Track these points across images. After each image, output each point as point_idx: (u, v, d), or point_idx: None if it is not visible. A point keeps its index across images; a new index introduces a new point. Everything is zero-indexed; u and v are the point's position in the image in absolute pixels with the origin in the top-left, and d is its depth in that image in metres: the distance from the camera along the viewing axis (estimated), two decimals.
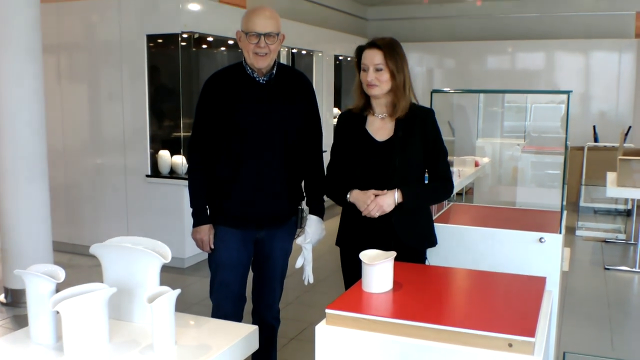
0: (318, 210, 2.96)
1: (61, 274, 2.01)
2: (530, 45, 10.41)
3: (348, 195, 2.69)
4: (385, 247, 2.57)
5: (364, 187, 2.66)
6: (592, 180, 8.10)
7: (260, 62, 2.75)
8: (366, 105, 2.76)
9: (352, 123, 2.78)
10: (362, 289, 2.05)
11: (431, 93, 3.22)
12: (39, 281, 1.97)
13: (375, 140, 2.70)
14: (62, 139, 6.20)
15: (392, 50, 2.64)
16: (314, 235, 2.91)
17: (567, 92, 2.95)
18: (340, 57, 9.24)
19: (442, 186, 2.77)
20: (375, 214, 2.59)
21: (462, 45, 10.73)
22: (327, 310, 1.87)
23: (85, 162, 6.14)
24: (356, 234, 2.75)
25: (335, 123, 2.91)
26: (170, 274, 5.48)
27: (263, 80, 2.81)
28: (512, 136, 8.73)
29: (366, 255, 2.08)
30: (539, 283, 2.16)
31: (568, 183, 7.74)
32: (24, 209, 4.64)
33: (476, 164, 6.78)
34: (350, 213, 2.73)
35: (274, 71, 2.84)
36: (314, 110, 2.97)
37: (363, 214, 2.62)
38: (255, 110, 2.79)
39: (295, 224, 2.97)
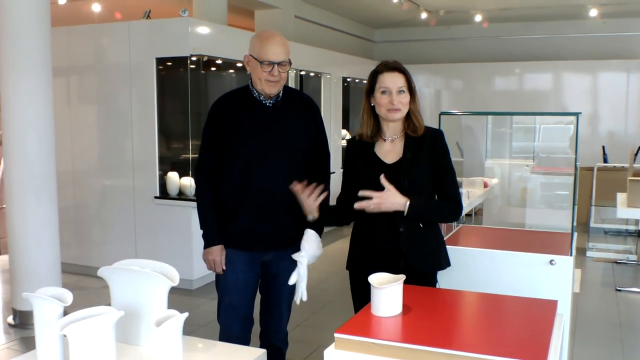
0: (316, 225, 2.87)
1: (69, 297, 2.00)
2: (538, 66, 10.43)
3: (356, 205, 2.60)
4: (394, 271, 2.54)
5: (372, 214, 2.61)
6: (602, 201, 8.05)
7: (272, 89, 2.78)
8: (375, 131, 2.74)
9: (361, 149, 2.76)
10: (371, 313, 2.03)
11: (439, 115, 3.22)
12: (47, 304, 1.96)
13: (384, 163, 2.69)
14: (71, 161, 6.23)
15: (408, 73, 2.67)
16: (309, 250, 2.81)
17: (576, 114, 2.94)
18: (348, 79, 9.29)
19: (450, 206, 2.72)
20: (382, 206, 2.51)
21: (470, 66, 10.76)
22: (336, 335, 1.85)
23: (94, 183, 6.16)
24: (365, 258, 2.72)
25: (345, 151, 2.90)
26: (178, 295, 5.46)
27: (269, 103, 2.83)
28: (521, 157, 8.70)
29: (375, 279, 2.06)
30: (550, 307, 2.13)
31: (578, 204, 7.69)
32: (33, 231, 4.65)
33: (485, 185, 6.75)
34: (359, 236, 2.71)
35: (280, 94, 2.86)
36: (321, 132, 2.99)
37: (367, 210, 2.54)
38: (261, 133, 2.80)
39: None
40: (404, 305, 2.04)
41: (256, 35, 2.84)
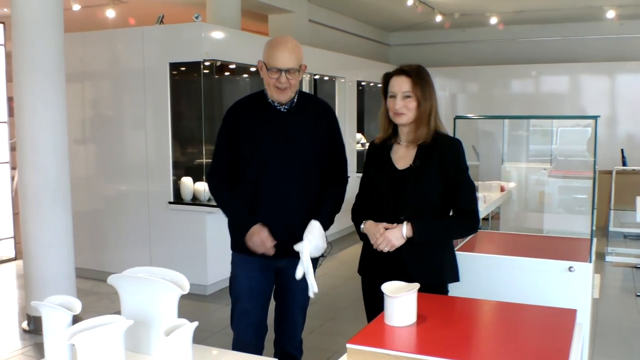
0: (322, 218, 2.79)
1: (77, 305, 1.98)
2: (554, 68, 10.33)
3: (362, 225, 2.64)
4: (402, 278, 2.48)
5: (377, 215, 2.61)
6: (622, 205, 7.92)
7: (280, 96, 2.75)
8: (392, 134, 2.70)
9: (379, 152, 2.73)
10: (385, 322, 1.98)
11: (454, 120, 3.16)
12: (55, 313, 1.93)
13: (396, 168, 2.64)
14: (85, 166, 6.24)
15: (419, 77, 2.58)
16: (312, 240, 2.70)
17: (595, 117, 2.88)
18: (363, 83, 9.24)
19: (463, 221, 2.62)
20: (385, 248, 2.51)
21: (485, 69, 10.68)
22: (348, 345, 1.81)
23: (109, 188, 6.17)
24: (375, 264, 2.68)
25: (365, 154, 2.85)
26: (192, 301, 5.45)
27: (284, 108, 2.80)
28: (538, 160, 8.61)
29: (388, 287, 2.01)
30: (569, 316, 2.07)
31: (597, 208, 7.59)
32: (47, 236, 4.65)
33: (502, 189, 6.68)
34: (369, 241, 2.66)
35: (295, 99, 2.82)
36: (337, 138, 2.94)
37: (374, 248, 2.56)
38: (275, 140, 2.77)
39: None
40: (418, 315, 1.99)
41: (268, 41, 2.81)
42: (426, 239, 2.53)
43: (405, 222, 2.51)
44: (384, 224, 2.54)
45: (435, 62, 11.06)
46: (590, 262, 2.91)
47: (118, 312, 2.07)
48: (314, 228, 2.73)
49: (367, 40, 10.90)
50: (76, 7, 6.85)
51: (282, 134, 2.78)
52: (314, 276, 2.72)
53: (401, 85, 2.57)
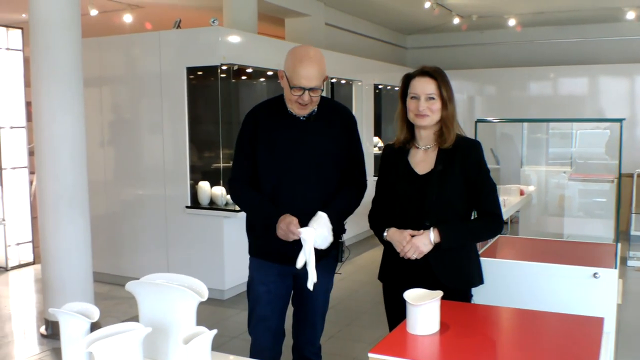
0: (330, 211, 2.67)
1: (95, 313, 1.95)
2: (573, 70, 10.21)
3: (385, 233, 2.59)
4: (425, 285, 2.44)
5: (400, 221, 2.57)
6: None
7: (301, 111, 2.70)
8: (409, 137, 2.66)
9: (395, 156, 2.69)
10: (407, 331, 1.94)
11: (475, 123, 3.11)
12: (73, 320, 1.91)
13: (416, 173, 2.60)
14: (103, 170, 6.25)
15: (444, 78, 2.54)
16: (317, 228, 2.58)
17: (620, 120, 2.82)
18: (380, 86, 9.19)
19: (487, 223, 2.59)
20: (412, 255, 2.48)
21: (503, 71, 10.58)
22: (370, 355, 1.77)
23: (126, 193, 6.17)
24: (397, 270, 2.64)
25: (380, 158, 2.81)
26: (209, 306, 5.43)
27: (303, 117, 2.75)
28: (558, 163, 8.51)
29: (411, 295, 1.97)
30: (596, 325, 2.02)
31: (619, 211, 7.48)
32: (65, 241, 4.65)
33: (521, 193, 6.59)
34: (392, 247, 2.62)
35: (315, 108, 2.76)
36: (356, 144, 2.88)
37: (400, 255, 2.52)
38: (293, 147, 2.72)
39: (335, 258, 2.86)
40: (441, 323, 1.95)
41: (291, 53, 2.70)
42: (454, 244, 2.51)
43: (432, 228, 2.48)
44: (410, 231, 2.51)
45: (453, 64, 10.97)
46: (616, 268, 2.85)
47: (136, 317, 2.06)
48: (320, 218, 2.63)
49: (384, 43, 10.86)
50: (94, 12, 6.88)
51: (301, 142, 2.73)
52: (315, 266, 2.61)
53: (424, 86, 2.52)
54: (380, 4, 8.75)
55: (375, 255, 5.84)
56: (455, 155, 2.55)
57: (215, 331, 1.88)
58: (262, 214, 2.74)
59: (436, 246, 2.48)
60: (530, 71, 10.47)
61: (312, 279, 2.60)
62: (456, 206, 2.56)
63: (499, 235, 3.56)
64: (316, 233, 2.58)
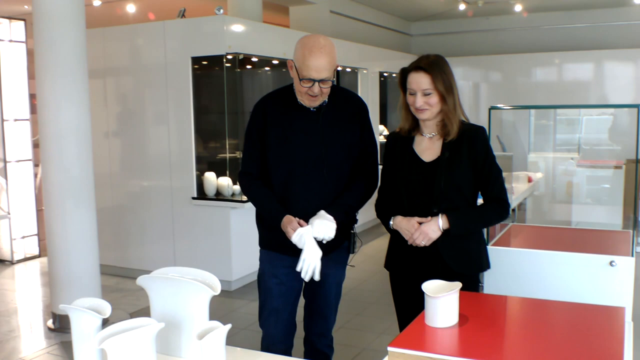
0: (334, 208, 2.62)
1: (107, 308, 1.92)
2: (578, 56, 10.13)
3: (391, 222, 2.58)
4: (432, 272, 2.46)
5: (408, 210, 2.55)
6: None
7: (311, 103, 2.63)
8: (414, 125, 2.64)
9: (400, 144, 2.66)
10: (425, 324, 1.89)
11: (489, 110, 3.06)
12: (85, 316, 1.87)
13: (422, 161, 2.58)
14: (108, 162, 6.22)
15: (439, 71, 2.48)
16: (316, 224, 2.52)
17: (637, 106, 2.76)
18: (385, 74, 9.12)
19: (495, 208, 2.57)
20: (421, 242, 2.47)
21: (508, 58, 10.50)
22: (389, 348, 1.73)
23: (132, 184, 6.14)
24: (404, 258, 2.63)
25: (384, 146, 2.78)
26: (217, 297, 5.37)
27: (314, 108, 2.68)
28: (565, 149, 8.46)
29: (429, 287, 1.92)
30: (618, 315, 1.97)
31: (625, 198, 7.42)
32: (72, 234, 4.62)
33: (529, 180, 6.54)
34: (398, 236, 2.60)
35: (326, 99, 2.69)
36: (368, 134, 2.81)
37: (409, 243, 2.51)
38: (304, 139, 2.66)
39: (347, 249, 2.82)
40: (459, 315, 1.91)
41: (300, 43, 2.61)
42: (463, 230, 2.51)
43: (440, 215, 2.47)
44: (417, 218, 2.50)
45: (458, 51, 10.89)
46: (633, 255, 2.80)
47: (144, 310, 2.02)
48: (322, 214, 2.58)
49: (389, 30, 10.77)
50: (97, 3, 6.81)
51: (312, 134, 2.66)
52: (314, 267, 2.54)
53: (419, 82, 2.49)
54: None
55: (382, 243, 5.77)
56: (462, 142, 2.53)
57: (229, 326, 1.85)
58: (269, 215, 2.70)
59: (444, 233, 2.47)
60: (535, 57, 10.38)
61: (304, 275, 2.53)
62: (464, 193, 2.55)
63: (510, 224, 3.51)
64: (314, 229, 2.52)
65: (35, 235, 7.03)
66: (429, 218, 2.48)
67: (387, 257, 2.74)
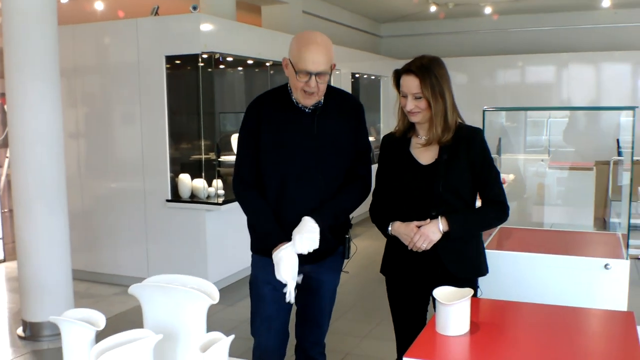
0: (319, 214, 2.52)
1: (101, 320, 1.81)
2: (541, 58, 10.28)
3: (389, 228, 2.54)
4: (431, 277, 2.45)
5: (406, 213, 2.51)
6: (619, 195, 7.85)
7: (307, 101, 2.53)
8: (409, 127, 2.61)
9: (396, 146, 2.62)
10: (437, 332, 1.83)
11: (483, 112, 3.03)
12: (77, 329, 1.76)
13: (419, 164, 2.55)
14: (78, 164, 6.03)
15: (428, 75, 2.44)
16: (297, 240, 2.44)
17: (633, 108, 2.76)
18: (357, 75, 9.08)
19: (494, 211, 2.56)
20: (422, 245, 2.42)
21: (475, 60, 10.60)
22: (405, 359, 1.66)
23: (103, 187, 5.96)
24: (401, 262, 2.59)
25: (380, 147, 2.74)
26: None
27: (309, 109, 2.59)
28: (534, 151, 8.56)
29: (440, 293, 1.86)
30: (628, 319, 1.94)
31: (595, 200, 7.50)
32: (43, 238, 4.46)
33: (503, 181, 6.56)
34: (395, 240, 2.56)
35: (322, 99, 2.60)
36: (363, 137, 2.72)
37: (409, 248, 2.46)
38: (298, 141, 2.57)
39: (342, 255, 2.74)
40: (471, 322, 1.85)
41: (296, 38, 2.56)
42: (463, 233, 2.48)
43: (440, 217, 2.44)
44: (415, 222, 2.46)
45: (427, 53, 10.91)
46: (627, 258, 2.79)
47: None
48: (305, 220, 2.48)
49: (360, 31, 10.74)
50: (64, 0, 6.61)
51: (308, 136, 2.56)
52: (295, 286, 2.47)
53: (410, 85, 2.46)
54: None
55: (363, 246, 5.71)
56: (459, 144, 2.50)
57: (232, 337, 1.76)
58: (265, 236, 2.59)
59: (444, 235, 2.43)
60: (499, 59, 10.50)
61: (289, 297, 2.46)
62: (462, 195, 2.52)
63: (500, 227, 3.49)
64: (295, 245, 2.44)
65: None
66: (428, 220, 2.44)
67: (384, 262, 2.69)
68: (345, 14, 9.98)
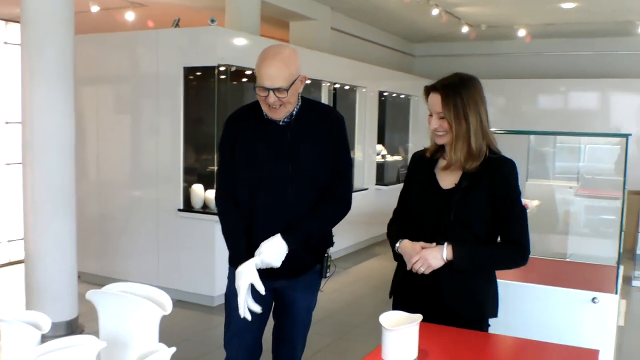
0: (290, 234, 2.47)
1: (46, 324, 1.81)
2: (584, 84, 10.04)
3: (397, 244, 2.40)
4: (434, 312, 2.27)
5: (415, 236, 2.36)
6: None
7: (274, 114, 2.49)
8: (440, 147, 2.44)
9: (423, 165, 2.49)
10: (382, 358, 1.78)
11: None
12: (20, 330, 1.76)
13: (440, 187, 2.39)
14: (97, 171, 6.13)
15: (452, 95, 2.28)
16: (264, 249, 2.43)
17: (626, 135, 2.66)
18: (385, 93, 9.04)
19: (510, 250, 2.30)
20: (421, 269, 2.26)
21: (513, 83, 10.43)
22: None
23: (119, 194, 6.04)
24: (409, 289, 2.42)
25: (408, 165, 2.63)
26: (198, 312, 5.29)
27: (283, 122, 2.56)
28: (564, 178, 8.33)
29: (388, 318, 1.81)
30: (590, 357, 1.85)
31: (625, 230, 7.28)
32: (49, 241, 4.53)
33: (526, 207, 6.42)
34: (403, 264, 2.40)
35: (295, 112, 2.56)
36: (341, 153, 2.64)
37: (408, 269, 2.31)
38: (269, 156, 2.54)
39: (320, 273, 2.69)
40: (420, 350, 1.79)
41: (262, 52, 2.52)
42: (467, 266, 2.27)
43: (446, 244, 2.25)
44: (422, 243, 2.30)
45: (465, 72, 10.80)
46: (616, 293, 2.68)
47: None
48: (273, 238, 2.46)
49: (391, 50, 10.71)
50: (95, 9, 6.76)
51: (279, 150, 2.52)
52: (249, 300, 2.44)
53: (433, 104, 2.33)
54: (387, 11, 8.61)
55: (371, 266, 5.66)
56: (483, 173, 2.30)
57: (173, 349, 1.73)
58: (232, 256, 2.62)
59: (448, 265, 2.25)
60: (540, 83, 10.32)
61: (242, 312, 2.43)
62: (475, 229, 2.30)
63: None
64: (257, 260, 2.43)
65: (21, 239, 6.91)
66: (434, 244, 2.28)
67: (392, 285, 2.54)
68: (375, 32, 9.96)
